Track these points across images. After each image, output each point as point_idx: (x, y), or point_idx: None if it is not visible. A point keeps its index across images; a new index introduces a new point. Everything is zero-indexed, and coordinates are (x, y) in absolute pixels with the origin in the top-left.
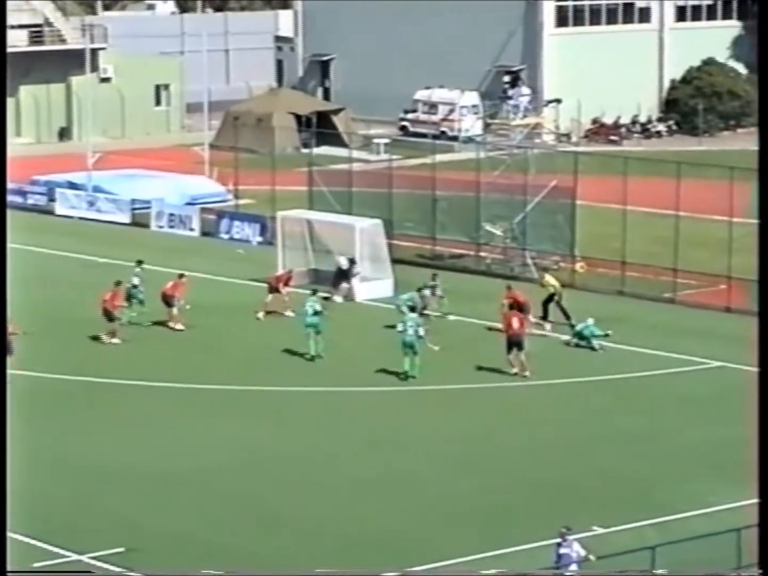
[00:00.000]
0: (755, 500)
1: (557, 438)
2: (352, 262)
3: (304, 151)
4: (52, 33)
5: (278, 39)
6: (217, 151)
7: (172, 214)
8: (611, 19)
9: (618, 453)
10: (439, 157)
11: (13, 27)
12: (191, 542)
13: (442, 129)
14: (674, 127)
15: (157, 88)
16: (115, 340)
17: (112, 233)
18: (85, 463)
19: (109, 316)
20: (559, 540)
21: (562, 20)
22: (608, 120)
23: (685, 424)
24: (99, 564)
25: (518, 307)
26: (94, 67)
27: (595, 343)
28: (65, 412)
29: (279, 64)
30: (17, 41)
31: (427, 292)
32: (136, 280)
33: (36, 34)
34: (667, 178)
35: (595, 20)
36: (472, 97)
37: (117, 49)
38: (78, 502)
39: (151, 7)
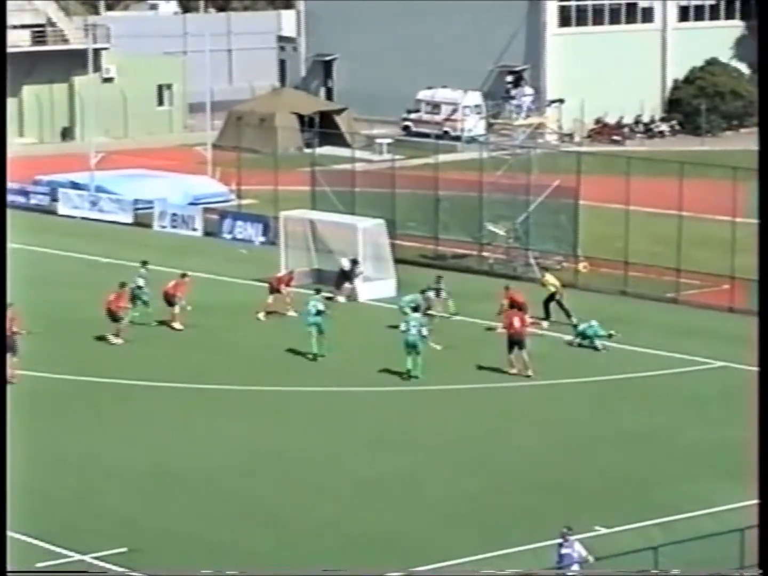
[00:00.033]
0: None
1: (560, 438)
2: (354, 262)
3: (307, 151)
4: (54, 33)
5: (281, 39)
6: (219, 151)
7: (174, 214)
8: (614, 19)
9: (621, 453)
10: (442, 157)
11: (15, 27)
12: (192, 542)
13: (445, 129)
14: (677, 127)
15: (160, 88)
16: (118, 341)
17: (114, 233)
18: (85, 463)
19: (113, 316)
20: (560, 540)
21: (565, 20)
22: (611, 120)
23: (688, 424)
24: (101, 564)
25: (517, 307)
26: (97, 67)
27: (598, 343)
28: (65, 412)
29: (282, 64)
30: (20, 41)
31: (431, 293)
32: (140, 281)
33: (39, 34)
34: (670, 178)
35: (598, 20)
36: (475, 97)
37: (120, 49)
38: (78, 502)
39: (153, 7)
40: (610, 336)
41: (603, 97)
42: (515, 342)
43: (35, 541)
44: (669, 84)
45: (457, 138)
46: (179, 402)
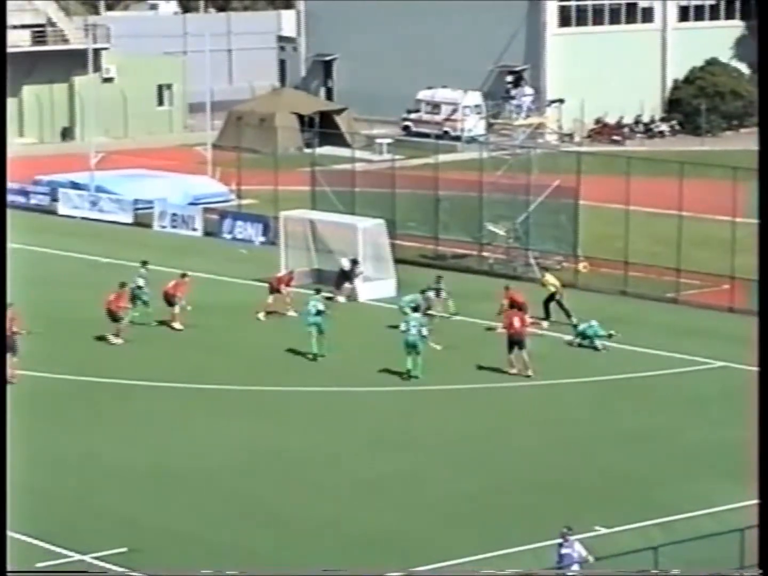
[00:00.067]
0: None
1: (560, 438)
2: (354, 262)
3: (307, 151)
4: (54, 33)
5: (281, 39)
6: (219, 151)
7: (174, 214)
8: (614, 19)
9: (621, 453)
10: (442, 157)
11: (15, 27)
12: (192, 542)
13: (445, 129)
14: (677, 127)
15: (160, 88)
16: (118, 341)
17: (114, 233)
18: (85, 463)
19: (113, 316)
20: (560, 540)
21: (565, 20)
22: (611, 120)
23: (688, 424)
24: (102, 564)
25: (517, 307)
26: (97, 67)
27: (598, 343)
28: (66, 412)
29: (282, 64)
30: (20, 41)
31: (431, 294)
32: (141, 282)
33: (39, 34)
34: (670, 178)
35: (598, 20)
36: (475, 97)
37: (120, 49)
38: (78, 502)
39: (153, 7)
40: (610, 336)
41: (603, 97)
42: (515, 342)
43: (35, 541)
44: (669, 84)
45: (457, 138)
46: (179, 402)
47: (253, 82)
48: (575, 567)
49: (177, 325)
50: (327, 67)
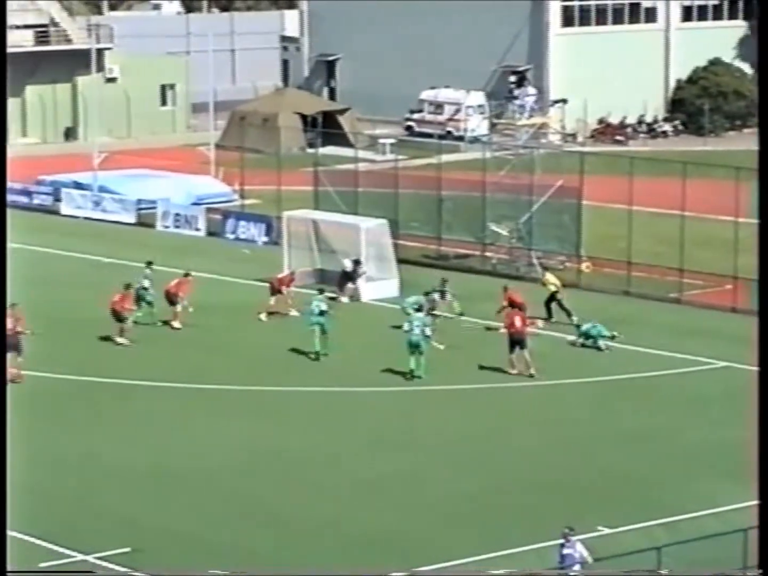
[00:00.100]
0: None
1: (562, 438)
2: (357, 262)
3: (310, 151)
4: (57, 33)
5: (284, 39)
6: (222, 151)
7: (177, 214)
8: (617, 19)
9: (623, 453)
10: (445, 157)
11: (18, 27)
12: (192, 542)
13: (448, 129)
14: (680, 127)
15: (163, 88)
16: (123, 340)
17: (117, 233)
18: (85, 463)
19: (117, 317)
20: (562, 541)
21: (568, 20)
22: (614, 120)
23: (691, 424)
24: (104, 564)
25: (516, 307)
26: (100, 67)
27: (601, 343)
28: (66, 412)
29: (285, 64)
30: (23, 41)
31: (435, 295)
32: (146, 282)
33: (42, 34)
34: (673, 178)
35: (601, 20)
36: (478, 97)
37: (123, 49)
38: (79, 502)
39: (156, 7)
40: (612, 337)
41: (606, 97)
42: (516, 342)
43: (36, 541)
44: (672, 84)
45: (460, 138)
46: (179, 402)
47: (256, 82)
48: (577, 567)
49: (176, 324)
50: (330, 67)
